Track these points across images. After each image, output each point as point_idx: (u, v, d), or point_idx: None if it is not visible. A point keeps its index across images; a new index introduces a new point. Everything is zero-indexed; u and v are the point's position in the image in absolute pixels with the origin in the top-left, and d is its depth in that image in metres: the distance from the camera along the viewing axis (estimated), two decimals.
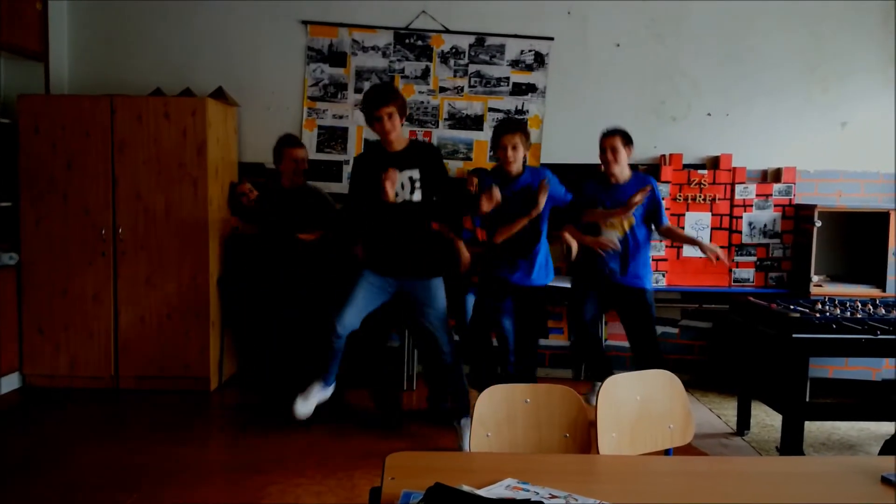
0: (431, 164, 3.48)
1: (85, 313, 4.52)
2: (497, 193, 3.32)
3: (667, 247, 4.78)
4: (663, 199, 4.69)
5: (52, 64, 4.81)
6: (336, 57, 5.01)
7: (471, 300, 4.26)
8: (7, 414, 4.15)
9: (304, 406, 3.50)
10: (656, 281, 4.76)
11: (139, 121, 4.45)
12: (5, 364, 4.42)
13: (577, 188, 3.97)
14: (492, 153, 4.09)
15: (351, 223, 3.84)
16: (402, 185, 3.40)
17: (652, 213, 3.95)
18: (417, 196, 3.42)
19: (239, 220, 4.63)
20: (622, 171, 3.93)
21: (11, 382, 4.50)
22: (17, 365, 4.52)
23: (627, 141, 3.91)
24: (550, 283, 3.95)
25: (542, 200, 3.53)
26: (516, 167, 3.61)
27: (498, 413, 2.08)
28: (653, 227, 4.01)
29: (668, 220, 4.06)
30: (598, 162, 4.90)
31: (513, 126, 3.62)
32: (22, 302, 4.51)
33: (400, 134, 3.45)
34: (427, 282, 3.50)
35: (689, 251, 4.82)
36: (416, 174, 3.41)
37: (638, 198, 3.72)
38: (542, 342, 5.12)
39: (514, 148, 3.56)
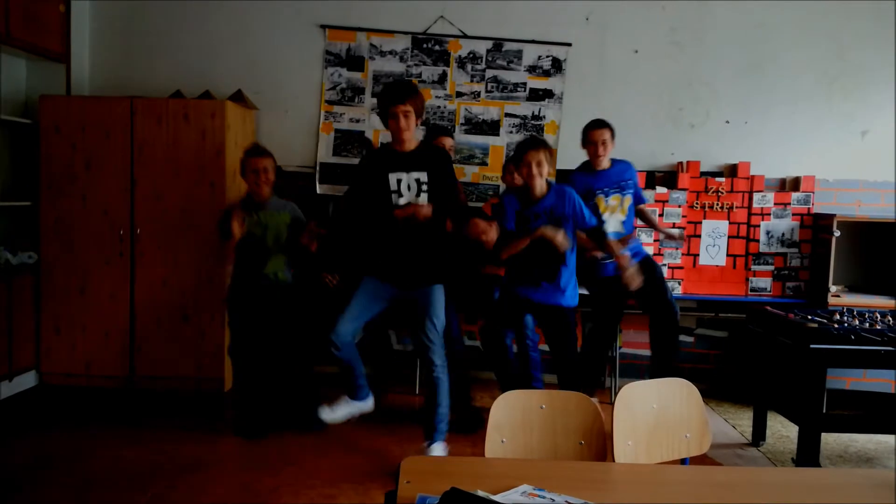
0: (440, 168, 3.38)
1: (102, 313, 4.55)
2: (493, 234, 3.32)
3: (683, 254, 4.75)
4: (680, 206, 4.70)
5: (73, 65, 4.87)
6: (354, 61, 5.04)
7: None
8: (23, 412, 4.19)
9: (330, 414, 3.46)
10: (672, 289, 4.74)
11: (159, 122, 4.49)
12: (22, 362, 4.46)
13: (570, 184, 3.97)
14: (509, 170, 4.05)
15: (346, 220, 3.72)
16: (408, 187, 3.32)
17: (637, 193, 4.19)
18: (423, 199, 3.33)
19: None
20: (542, 185, 3.80)
21: (28, 380, 4.55)
22: (33, 363, 4.57)
23: (613, 134, 4.08)
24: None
25: (556, 237, 3.42)
26: (540, 185, 3.52)
27: (513, 419, 2.07)
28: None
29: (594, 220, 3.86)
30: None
31: (538, 143, 3.52)
32: (40, 301, 4.56)
33: (413, 134, 3.35)
34: (427, 289, 3.40)
35: (705, 259, 4.78)
36: (423, 177, 3.32)
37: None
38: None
39: (539, 165, 3.45)
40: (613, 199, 4.07)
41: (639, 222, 4.45)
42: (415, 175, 3.33)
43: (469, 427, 3.92)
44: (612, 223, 4.05)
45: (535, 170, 3.45)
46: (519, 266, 3.61)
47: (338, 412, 3.46)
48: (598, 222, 3.69)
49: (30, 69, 4.79)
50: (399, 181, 3.33)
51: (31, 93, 4.73)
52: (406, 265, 3.38)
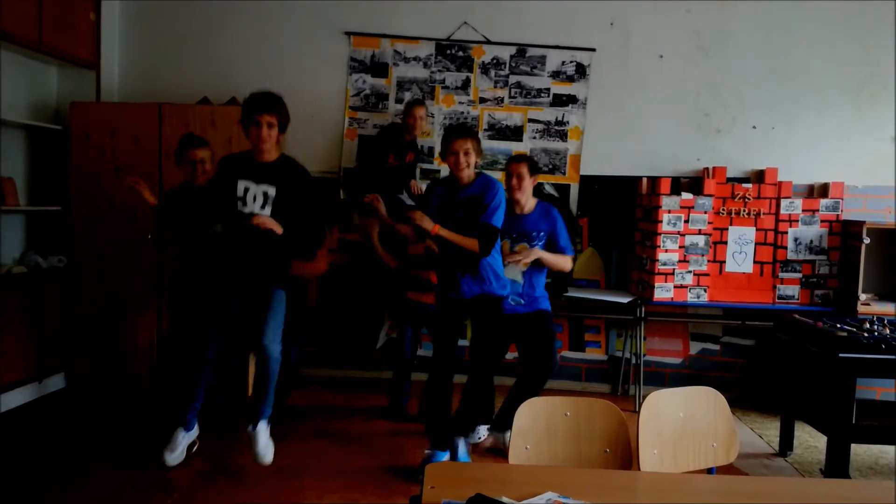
0: (294, 186, 3.31)
1: (130, 316, 4.61)
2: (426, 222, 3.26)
3: (709, 261, 4.70)
4: (706, 212, 4.65)
5: (103, 72, 4.96)
6: (378, 67, 5.06)
7: (409, 332, 4.28)
8: (51, 413, 4.25)
9: (171, 456, 3.45)
10: (697, 296, 4.69)
11: (186, 128, 4.53)
12: (50, 364, 4.54)
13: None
14: (441, 158, 3.80)
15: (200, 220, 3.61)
16: (254, 198, 3.26)
17: (553, 242, 3.78)
18: (267, 212, 3.25)
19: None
20: (527, 200, 3.79)
21: (57, 382, 4.62)
22: (62, 365, 4.64)
23: (534, 169, 3.80)
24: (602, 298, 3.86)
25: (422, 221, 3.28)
26: (467, 174, 3.37)
27: (538, 425, 2.06)
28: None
29: (572, 252, 3.85)
30: (640, 175, 4.93)
31: (464, 131, 3.41)
32: (69, 303, 4.63)
33: (274, 146, 3.30)
34: (268, 292, 3.34)
35: (731, 266, 4.73)
36: (272, 191, 3.26)
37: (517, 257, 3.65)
38: (577, 356, 5.10)
39: (466, 154, 3.33)
40: (518, 248, 3.76)
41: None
42: (263, 187, 3.27)
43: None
44: (510, 271, 3.69)
45: (462, 159, 3.33)
46: (446, 273, 3.48)
47: (177, 450, 3.45)
48: (495, 228, 3.37)
49: (60, 76, 4.88)
50: (246, 189, 3.28)
51: (62, 99, 4.82)
52: (245, 271, 3.34)
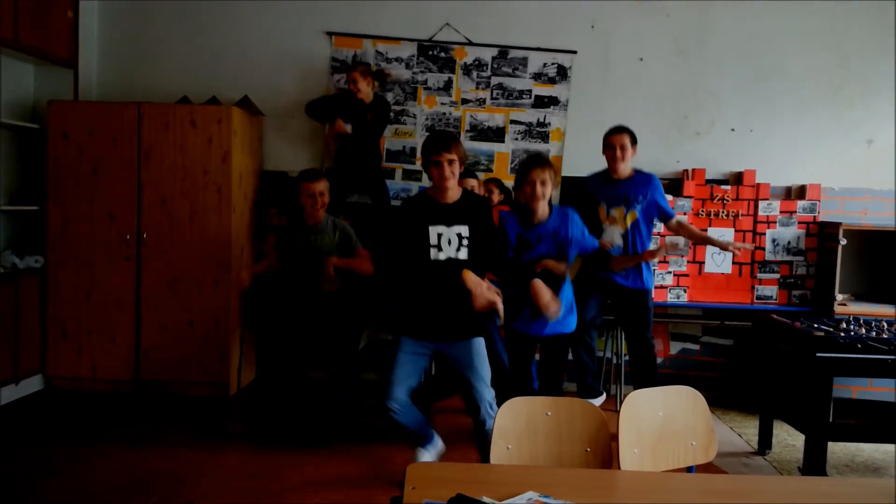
0: (482, 221, 3.19)
1: (108, 317, 4.57)
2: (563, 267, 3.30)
3: (689, 262, 4.74)
4: (685, 213, 4.69)
5: (81, 71, 4.90)
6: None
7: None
8: (28, 416, 4.19)
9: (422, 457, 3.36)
10: (677, 296, 4.73)
11: (166, 128, 4.51)
12: (28, 366, 4.48)
13: (582, 186, 4.11)
14: (516, 189, 3.57)
15: (394, 272, 3.43)
16: (448, 241, 3.13)
17: (653, 209, 4.05)
18: (463, 254, 3.14)
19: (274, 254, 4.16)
20: (626, 170, 4.05)
21: (33, 384, 4.56)
22: (39, 367, 4.58)
23: (634, 140, 4.04)
24: None
25: (559, 267, 3.31)
26: (542, 207, 3.30)
27: (518, 425, 2.07)
28: (662, 223, 4.19)
29: (675, 215, 4.19)
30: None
31: (543, 161, 3.31)
32: (46, 304, 4.57)
33: (456, 184, 3.17)
34: (466, 343, 3.22)
35: (710, 267, 4.78)
36: (465, 231, 3.13)
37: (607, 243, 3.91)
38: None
39: (543, 184, 3.24)
40: (616, 211, 4.03)
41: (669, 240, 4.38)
42: (456, 229, 3.14)
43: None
44: (609, 234, 4.00)
45: (539, 190, 3.23)
46: (515, 301, 3.37)
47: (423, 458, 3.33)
48: (600, 247, 3.53)
49: (38, 74, 4.82)
50: (440, 235, 3.14)
51: (39, 98, 4.76)
52: (441, 320, 3.19)
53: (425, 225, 3.13)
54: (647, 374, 4.06)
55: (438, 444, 3.42)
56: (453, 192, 3.17)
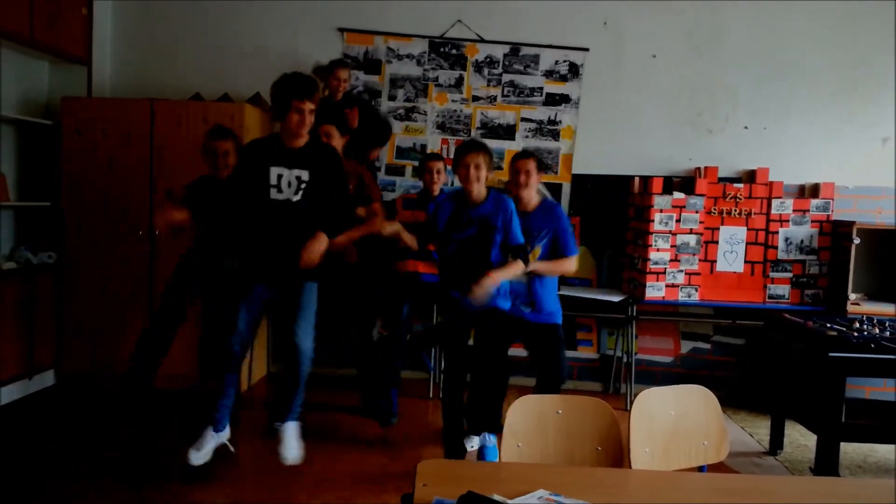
0: (326, 169, 3.26)
1: (122, 313, 4.59)
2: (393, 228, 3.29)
3: (700, 260, 4.72)
4: (697, 212, 4.67)
5: (94, 68, 4.92)
6: (371, 64, 5.06)
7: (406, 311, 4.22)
8: (41, 410, 4.23)
9: (197, 455, 3.28)
10: (688, 295, 4.71)
11: (178, 125, 4.52)
12: (42, 361, 4.51)
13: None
14: (454, 172, 3.64)
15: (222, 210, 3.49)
16: (288, 184, 3.21)
17: (557, 241, 3.67)
18: (300, 197, 3.22)
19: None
20: (531, 198, 3.68)
21: (47, 379, 4.60)
22: (52, 362, 4.61)
23: (541, 166, 3.76)
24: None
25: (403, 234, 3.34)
26: (477, 189, 3.31)
27: (529, 423, 2.07)
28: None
29: (576, 251, 3.72)
30: (632, 174, 4.95)
31: (477, 145, 3.35)
32: (60, 300, 4.60)
33: (307, 131, 3.23)
34: (298, 287, 3.25)
35: (722, 265, 4.75)
36: (304, 175, 3.21)
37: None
38: (569, 355, 5.09)
39: (477, 168, 3.26)
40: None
41: None
42: (296, 172, 3.22)
43: (382, 418, 3.97)
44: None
45: (472, 173, 3.27)
46: (449, 272, 3.47)
47: (204, 449, 3.28)
48: (524, 244, 3.37)
49: (52, 71, 4.85)
50: (280, 176, 3.22)
51: (53, 94, 4.79)
52: (278, 261, 3.23)
53: (267, 165, 3.20)
54: None
55: (227, 433, 3.38)
56: (302, 139, 3.25)
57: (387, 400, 4.13)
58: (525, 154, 3.82)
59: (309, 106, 3.16)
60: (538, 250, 3.64)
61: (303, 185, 3.22)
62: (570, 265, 3.71)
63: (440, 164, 4.31)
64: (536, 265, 3.60)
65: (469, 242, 3.34)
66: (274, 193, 3.21)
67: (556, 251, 3.67)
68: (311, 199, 3.23)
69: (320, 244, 3.15)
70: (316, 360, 3.57)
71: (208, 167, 3.82)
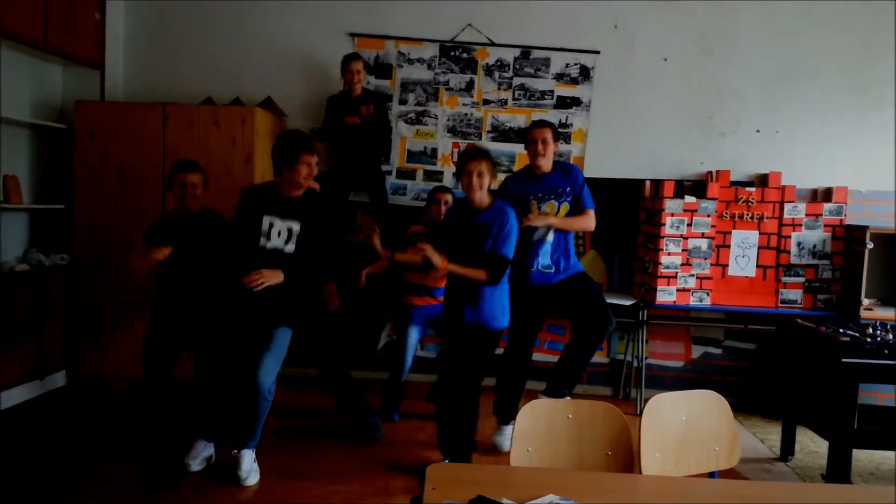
0: (318, 220, 3.40)
1: (132, 315, 4.62)
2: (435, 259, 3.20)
3: (712, 264, 4.69)
4: (709, 216, 4.64)
5: (107, 72, 4.97)
6: (382, 69, 5.07)
7: (413, 335, 4.25)
8: (52, 411, 4.26)
9: (194, 462, 3.44)
10: (700, 300, 4.68)
11: (190, 128, 4.55)
12: (53, 362, 4.55)
13: (503, 190, 3.91)
14: (456, 180, 3.67)
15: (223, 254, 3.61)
16: (278, 233, 3.34)
17: (576, 199, 3.86)
18: (291, 248, 3.35)
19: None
20: (548, 165, 3.87)
21: (58, 380, 4.63)
22: (63, 363, 4.64)
23: (557, 135, 3.90)
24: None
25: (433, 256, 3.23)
26: (480, 197, 3.30)
27: (539, 428, 2.06)
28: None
29: (593, 208, 3.89)
30: (643, 177, 4.93)
31: (479, 153, 3.32)
32: (71, 302, 4.64)
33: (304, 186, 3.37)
34: (276, 329, 3.37)
35: (734, 270, 4.72)
36: (296, 227, 3.35)
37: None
38: None
39: (480, 175, 3.25)
40: (547, 206, 3.83)
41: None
42: (288, 223, 3.35)
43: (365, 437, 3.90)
44: (541, 234, 3.82)
45: (475, 181, 3.26)
46: (450, 303, 3.43)
47: (198, 458, 3.43)
48: (506, 258, 3.29)
49: (65, 75, 4.90)
50: (271, 225, 3.35)
51: (67, 98, 4.84)
52: (258, 305, 3.33)
53: (261, 214, 3.34)
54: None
55: (209, 449, 3.50)
56: (301, 191, 3.40)
57: (368, 419, 3.96)
58: (542, 123, 3.89)
59: (315, 159, 3.34)
60: (566, 207, 3.85)
61: (294, 236, 3.35)
62: (590, 220, 3.89)
63: (448, 196, 4.36)
64: (558, 221, 3.80)
65: (467, 248, 3.31)
66: (263, 241, 3.34)
67: (576, 209, 3.86)
68: (302, 250, 3.35)
69: (272, 277, 3.24)
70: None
71: (176, 200, 3.85)
